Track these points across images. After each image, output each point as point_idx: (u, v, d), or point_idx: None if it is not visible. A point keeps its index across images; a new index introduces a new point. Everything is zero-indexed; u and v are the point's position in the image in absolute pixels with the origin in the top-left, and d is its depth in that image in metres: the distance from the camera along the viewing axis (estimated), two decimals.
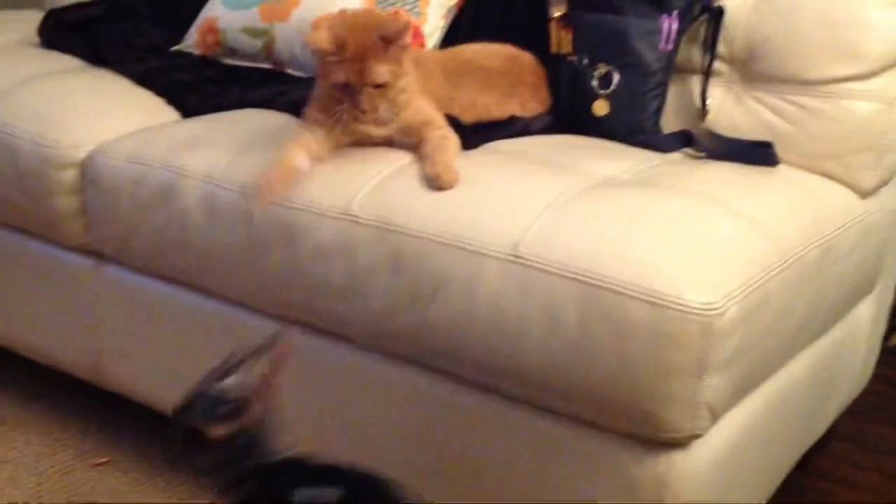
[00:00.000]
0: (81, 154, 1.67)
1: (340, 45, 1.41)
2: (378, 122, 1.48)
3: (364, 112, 1.44)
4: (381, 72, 1.42)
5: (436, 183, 1.41)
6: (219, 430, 1.14)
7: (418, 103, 1.51)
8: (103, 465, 1.81)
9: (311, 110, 1.52)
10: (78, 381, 1.87)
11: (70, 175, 1.67)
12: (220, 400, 1.15)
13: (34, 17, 2.22)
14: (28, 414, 1.95)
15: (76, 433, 1.89)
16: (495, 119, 1.67)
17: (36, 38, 2.11)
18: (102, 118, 1.73)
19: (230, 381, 1.15)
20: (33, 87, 1.81)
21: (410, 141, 1.49)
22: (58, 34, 2.06)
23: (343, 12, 1.49)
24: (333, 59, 1.42)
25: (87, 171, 1.66)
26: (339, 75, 1.42)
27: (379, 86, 1.43)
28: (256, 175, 1.46)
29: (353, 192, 1.43)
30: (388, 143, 1.51)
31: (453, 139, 1.50)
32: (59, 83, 1.85)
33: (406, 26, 1.44)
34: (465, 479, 1.43)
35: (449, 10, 1.94)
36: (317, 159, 1.48)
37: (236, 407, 1.15)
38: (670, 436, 1.25)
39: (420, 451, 1.46)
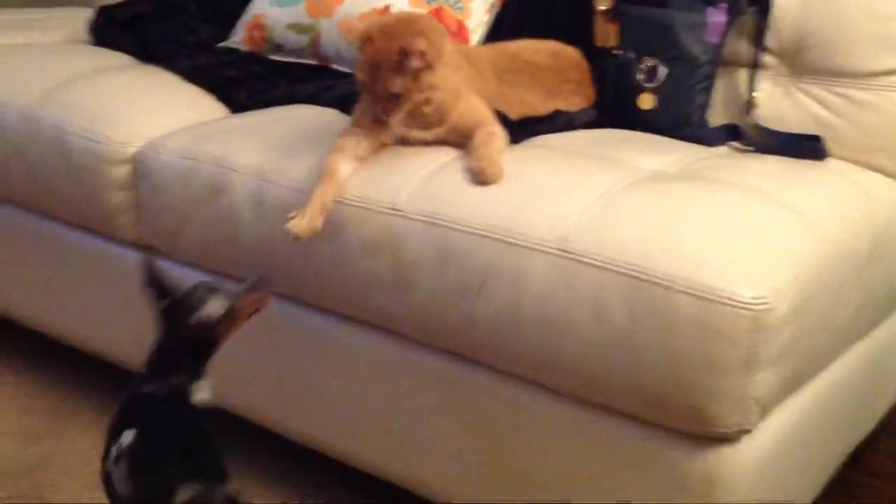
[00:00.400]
0: (133, 150, 1.70)
1: (365, 43, 1.41)
2: (414, 125, 1.48)
3: (376, 114, 1.43)
4: (394, 83, 1.40)
5: (480, 177, 1.41)
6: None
7: (467, 103, 1.51)
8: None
9: (357, 111, 1.52)
10: (127, 375, 1.90)
11: (122, 170, 1.70)
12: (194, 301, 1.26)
13: (83, 15, 2.26)
14: (81, 407, 1.98)
15: None
16: (540, 114, 1.67)
17: (86, 35, 2.14)
18: (153, 114, 1.75)
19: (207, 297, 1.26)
20: (85, 84, 1.84)
21: (461, 141, 1.50)
22: (108, 31, 2.10)
23: (390, 13, 1.49)
24: (359, 55, 1.42)
25: (139, 166, 1.68)
26: (359, 73, 1.43)
27: (393, 95, 1.41)
28: (297, 214, 1.45)
29: (400, 186, 1.44)
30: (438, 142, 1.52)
31: (500, 135, 1.50)
32: (111, 79, 1.88)
33: (419, 51, 1.38)
34: (511, 475, 1.44)
35: (492, 6, 1.94)
36: (360, 160, 1.49)
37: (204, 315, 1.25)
38: (719, 431, 1.25)
39: (465, 447, 1.47)
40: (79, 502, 1.70)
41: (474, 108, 1.52)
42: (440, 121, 1.48)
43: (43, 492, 1.73)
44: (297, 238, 1.42)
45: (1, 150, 1.82)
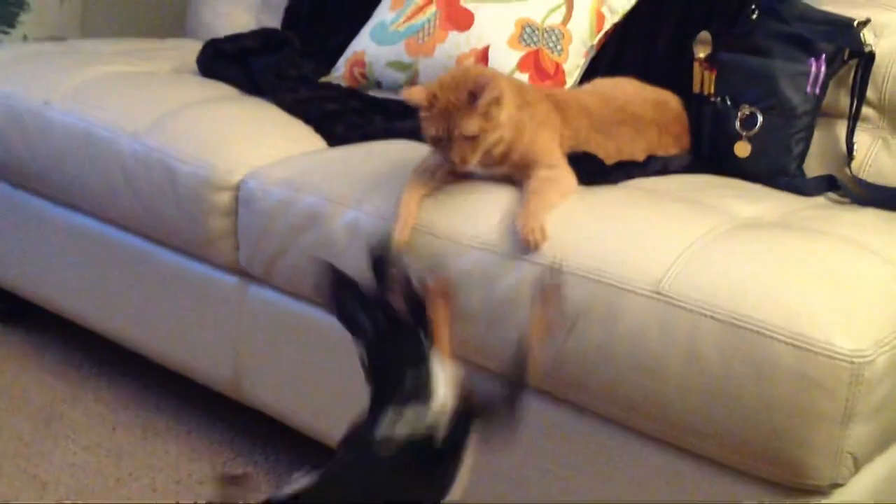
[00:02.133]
0: (236, 178, 1.75)
1: (432, 100, 1.47)
2: (468, 176, 1.53)
3: (454, 163, 1.49)
4: (468, 125, 1.46)
5: (522, 244, 1.42)
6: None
7: (532, 139, 1.54)
8: (239, 478, 1.87)
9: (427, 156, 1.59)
10: (215, 394, 1.94)
11: (225, 197, 1.75)
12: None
13: (190, 46, 2.35)
14: (167, 424, 2.03)
15: (213, 444, 1.97)
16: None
17: (192, 66, 2.22)
18: (256, 144, 1.81)
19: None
20: (192, 113, 1.91)
21: (524, 177, 1.52)
22: (216, 63, 2.17)
23: (447, 73, 1.55)
24: (427, 114, 1.48)
25: (241, 194, 1.74)
26: (430, 129, 1.48)
27: (469, 138, 1.47)
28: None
29: (491, 222, 1.47)
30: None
31: (558, 178, 1.52)
32: (216, 110, 1.95)
33: (488, 82, 1.45)
34: None
35: (590, 49, 1.97)
36: (428, 193, 1.54)
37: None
38: (811, 483, 1.23)
39: (549, 484, 1.47)
40: None
41: (539, 145, 1.54)
42: (503, 158, 1.52)
43: None
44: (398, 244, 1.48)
45: (110, 173, 1.89)
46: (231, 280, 1.81)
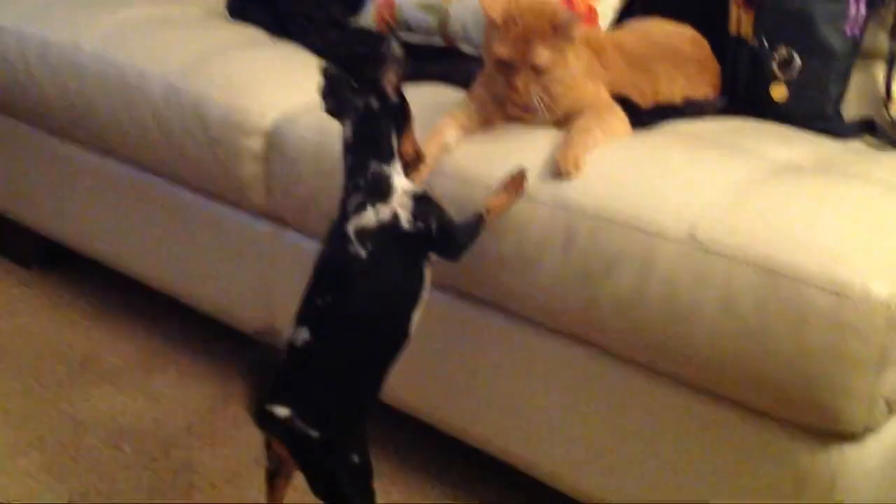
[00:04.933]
0: (268, 122, 1.75)
1: (510, 20, 1.44)
2: (528, 110, 1.50)
3: (516, 91, 1.46)
4: (543, 55, 1.43)
5: (555, 170, 1.42)
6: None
7: (583, 91, 1.52)
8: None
9: (475, 85, 1.57)
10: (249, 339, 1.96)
11: (256, 142, 1.75)
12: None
13: None
14: (202, 367, 2.06)
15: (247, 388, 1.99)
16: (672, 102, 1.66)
17: (221, 9, 2.20)
18: (287, 89, 1.79)
19: None
20: (223, 57, 1.90)
21: (568, 123, 1.50)
22: (244, 6, 2.15)
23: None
24: (499, 33, 1.45)
25: (273, 139, 1.73)
26: (502, 50, 1.45)
27: (537, 70, 1.45)
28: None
29: (526, 169, 1.45)
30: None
31: (609, 122, 1.49)
32: (247, 54, 1.94)
33: (577, 18, 1.45)
34: (629, 464, 1.44)
35: None
36: (468, 133, 1.53)
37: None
38: (845, 429, 1.23)
39: (579, 431, 1.48)
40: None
41: (586, 96, 1.52)
42: (553, 106, 1.50)
43: (168, 447, 1.81)
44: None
45: (142, 118, 1.89)
46: (264, 225, 1.82)
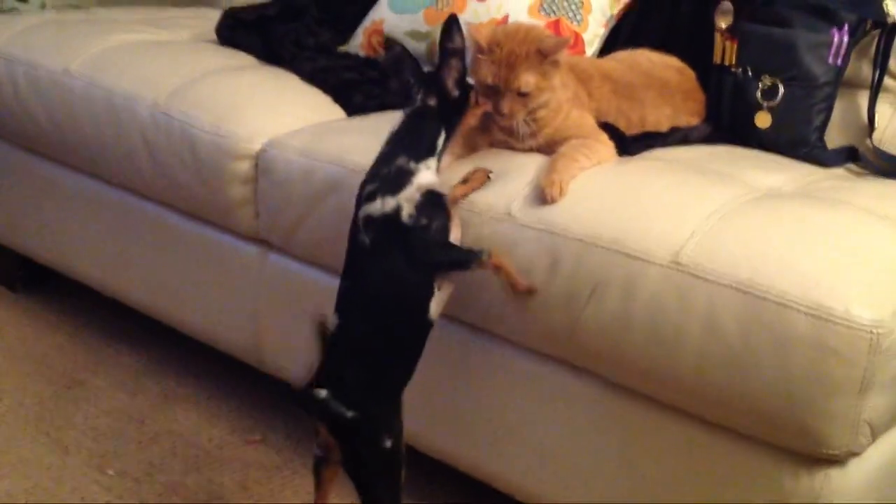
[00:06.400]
0: (256, 146, 1.75)
1: (495, 45, 1.46)
2: (513, 134, 1.51)
3: (502, 116, 1.47)
4: (527, 81, 1.45)
5: (540, 196, 1.43)
6: None
7: (567, 118, 1.53)
8: (257, 442, 1.90)
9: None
10: (234, 361, 1.96)
11: (244, 166, 1.76)
12: None
13: (209, 15, 2.35)
14: (187, 390, 2.05)
15: (232, 410, 1.99)
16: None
17: (211, 35, 2.22)
18: (275, 113, 1.81)
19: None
20: (212, 81, 1.91)
21: (554, 152, 1.52)
22: (234, 32, 2.17)
23: (512, 23, 1.53)
24: (485, 57, 1.46)
25: (261, 162, 1.74)
26: (487, 75, 1.46)
27: (522, 94, 1.46)
28: None
29: (512, 194, 1.47)
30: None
31: (594, 148, 1.51)
32: (236, 78, 1.95)
33: (564, 42, 1.47)
34: (612, 486, 1.45)
35: (609, 19, 1.96)
36: (456, 158, 1.53)
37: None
38: (828, 452, 1.24)
39: (565, 451, 1.48)
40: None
41: (571, 122, 1.54)
42: (537, 131, 1.51)
43: (152, 470, 1.80)
44: None
45: (131, 142, 1.90)
46: (251, 248, 1.82)
